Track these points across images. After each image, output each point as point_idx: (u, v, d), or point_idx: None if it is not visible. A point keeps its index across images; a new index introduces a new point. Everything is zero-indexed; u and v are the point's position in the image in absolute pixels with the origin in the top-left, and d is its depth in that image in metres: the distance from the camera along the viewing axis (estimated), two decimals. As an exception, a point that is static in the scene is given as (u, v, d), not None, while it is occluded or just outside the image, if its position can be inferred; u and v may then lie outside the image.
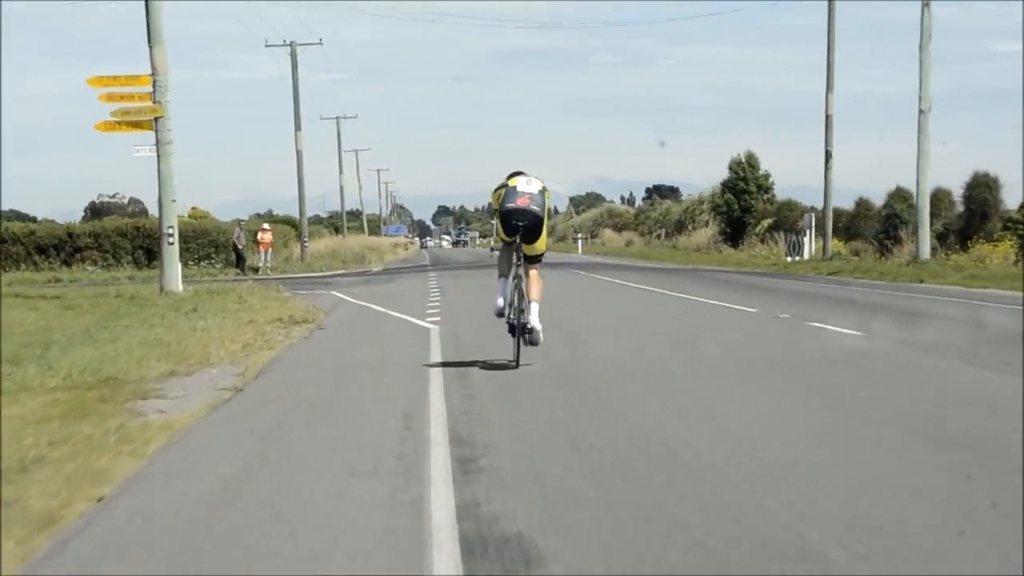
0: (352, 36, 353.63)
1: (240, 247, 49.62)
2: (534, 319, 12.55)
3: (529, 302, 12.58)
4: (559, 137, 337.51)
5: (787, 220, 62.53)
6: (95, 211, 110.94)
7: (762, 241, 61.24)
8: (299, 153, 54.15)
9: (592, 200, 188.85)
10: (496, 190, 12.90)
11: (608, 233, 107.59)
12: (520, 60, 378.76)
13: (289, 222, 73.35)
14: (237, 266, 49.93)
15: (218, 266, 50.55)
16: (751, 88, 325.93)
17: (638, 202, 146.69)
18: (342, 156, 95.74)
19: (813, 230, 47.31)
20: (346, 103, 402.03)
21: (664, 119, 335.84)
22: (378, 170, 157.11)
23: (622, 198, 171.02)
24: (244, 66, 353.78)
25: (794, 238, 48.64)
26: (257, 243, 50.64)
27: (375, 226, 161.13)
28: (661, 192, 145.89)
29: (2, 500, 6.87)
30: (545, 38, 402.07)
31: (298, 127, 53.49)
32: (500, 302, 12.93)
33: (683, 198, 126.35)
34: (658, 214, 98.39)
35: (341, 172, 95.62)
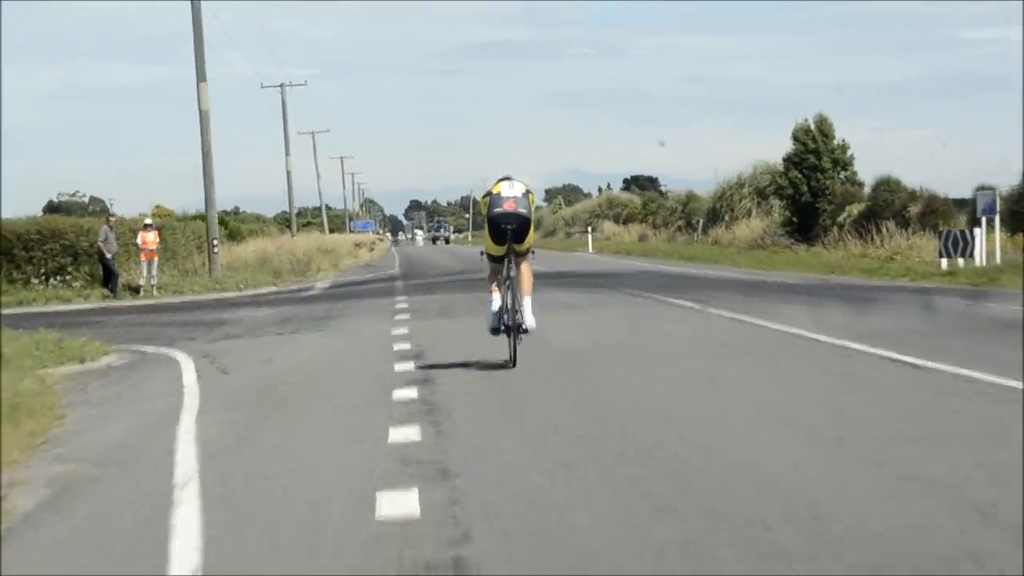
0: (320, 32, 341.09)
1: (109, 256, 32.48)
2: (528, 318, 12.21)
3: (523, 297, 12.30)
4: (532, 130, 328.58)
5: (887, 206, 45.77)
6: (53, 211, 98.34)
7: (860, 235, 44.41)
8: (203, 113, 36.80)
9: (569, 192, 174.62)
10: (483, 197, 12.89)
11: (609, 226, 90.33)
12: (492, 53, 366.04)
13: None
14: (106, 284, 32.80)
15: (77, 284, 33.25)
16: (726, 78, 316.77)
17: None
18: (288, 131, 77.33)
19: (997, 218, 30.40)
20: (314, 100, 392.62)
21: (637, 111, 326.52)
22: (341, 157, 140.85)
23: (599, 189, 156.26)
24: (218, 63, 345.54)
25: (956, 232, 31.62)
26: (140, 249, 33.57)
27: (341, 221, 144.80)
28: (640, 183, 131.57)
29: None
30: (518, 30, 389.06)
31: (202, 77, 36.27)
32: (493, 318, 12.39)
33: (664, 188, 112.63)
34: (674, 202, 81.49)
35: (288, 153, 76.86)
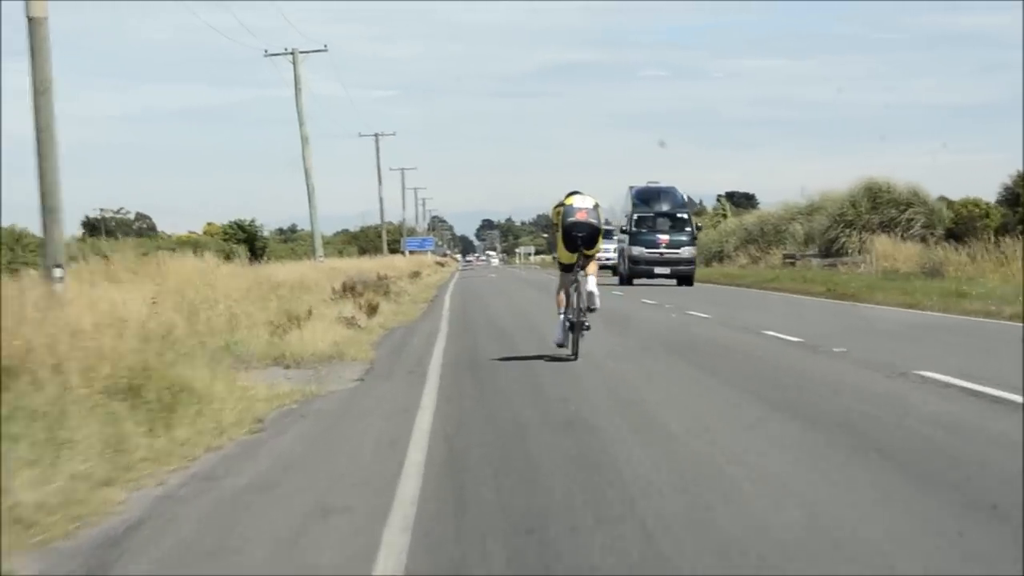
0: (397, 53, 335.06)
1: None
2: (592, 285, 15.50)
3: (587, 276, 15.52)
4: (601, 149, 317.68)
5: None
6: (92, 228, 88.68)
7: None
8: (33, 23, 16.25)
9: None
10: (555, 208, 15.41)
11: (884, 243, 52.45)
12: (566, 74, 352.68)
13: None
14: None
15: None
16: (800, 100, 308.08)
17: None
18: (300, 92, 52.18)
19: None
20: (390, 120, 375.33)
21: (709, 132, 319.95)
22: (402, 169, 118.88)
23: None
24: (256, 84, 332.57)
25: None
26: None
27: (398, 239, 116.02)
28: (735, 200, 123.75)
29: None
30: (593, 52, 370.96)
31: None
32: (560, 333, 15.54)
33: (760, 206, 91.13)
34: None
35: (302, 123, 51.68)
